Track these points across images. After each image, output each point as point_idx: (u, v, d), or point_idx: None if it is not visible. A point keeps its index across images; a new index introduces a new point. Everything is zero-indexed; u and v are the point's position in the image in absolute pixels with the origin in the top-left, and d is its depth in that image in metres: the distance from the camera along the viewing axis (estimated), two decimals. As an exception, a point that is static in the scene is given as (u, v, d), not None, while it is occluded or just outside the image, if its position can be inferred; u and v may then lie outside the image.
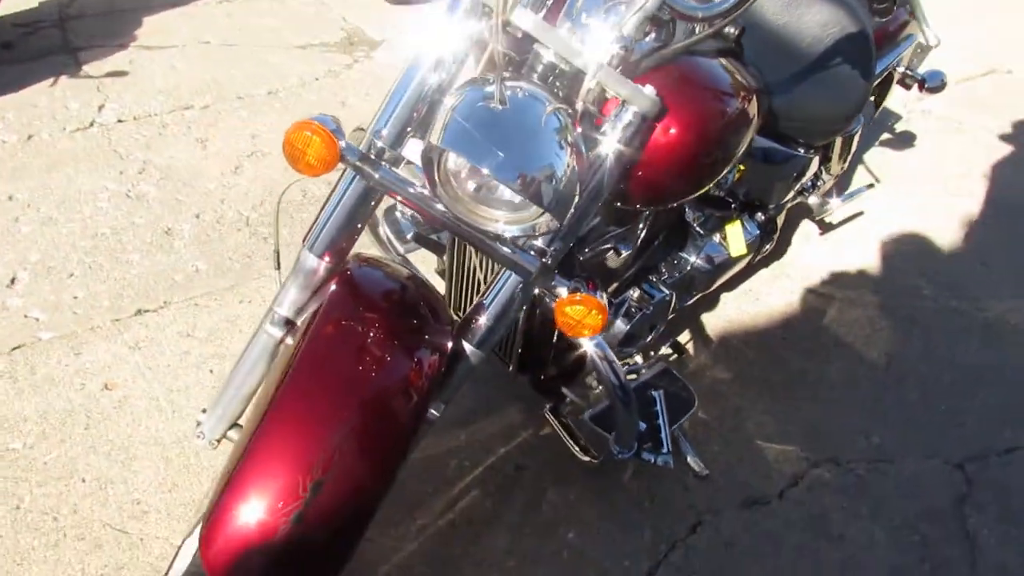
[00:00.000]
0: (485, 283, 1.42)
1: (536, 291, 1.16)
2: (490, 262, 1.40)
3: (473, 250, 1.45)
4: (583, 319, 1.09)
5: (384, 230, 1.73)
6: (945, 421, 1.90)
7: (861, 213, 2.62)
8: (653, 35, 1.13)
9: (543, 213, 0.98)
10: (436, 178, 1.02)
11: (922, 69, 2.15)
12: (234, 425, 1.24)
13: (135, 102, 2.84)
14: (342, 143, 1.01)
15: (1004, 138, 3.17)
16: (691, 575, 1.52)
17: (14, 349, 1.84)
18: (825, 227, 2.54)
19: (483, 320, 1.16)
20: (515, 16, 1.00)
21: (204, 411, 1.24)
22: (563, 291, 1.11)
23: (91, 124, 2.69)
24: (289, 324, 1.16)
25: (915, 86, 2.14)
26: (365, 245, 1.37)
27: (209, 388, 1.79)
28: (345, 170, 1.10)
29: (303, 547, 0.95)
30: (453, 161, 1.01)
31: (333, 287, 1.11)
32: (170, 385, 1.79)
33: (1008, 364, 2.08)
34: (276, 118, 2.84)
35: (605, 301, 1.09)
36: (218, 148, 2.64)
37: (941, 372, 2.03)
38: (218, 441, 1.24)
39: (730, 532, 1.60)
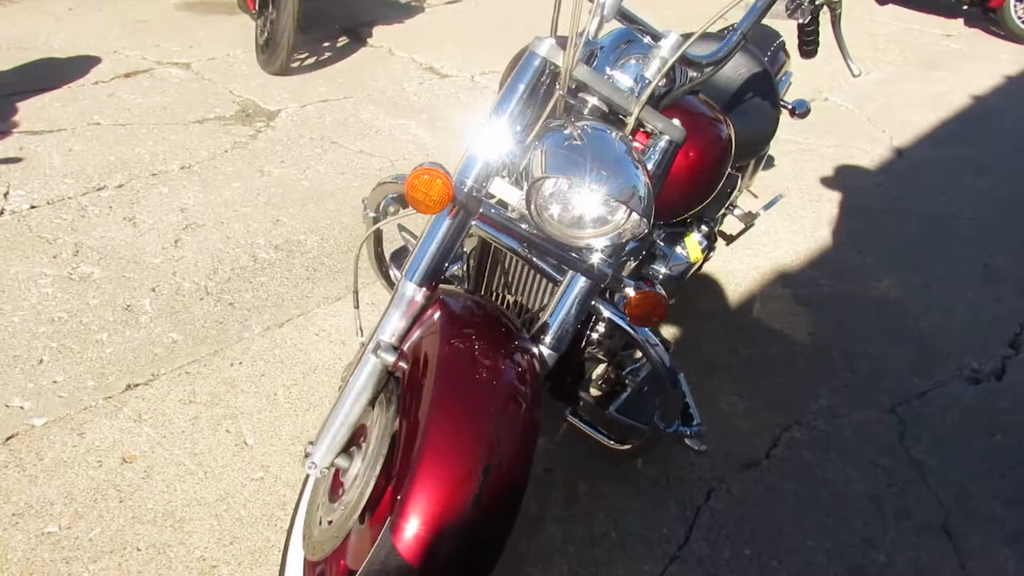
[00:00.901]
0: (515, 300, 1.64)
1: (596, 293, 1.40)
2: (532, 282, 1.59)
3: (507, 273, 1.66)
4: (652, 311, 1.34)
5: (394, 271, 1.90)
6: (869, 379, 2.31)
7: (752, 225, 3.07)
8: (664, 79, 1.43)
9: (628, 220, 1.23)
10: (533, 207, 1.25)
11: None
12: (341, 452, 1.35)
13: (43, 187, 2.80)
14: (454, 184, 1.22)
15: (841, 153, 3.81)
16: (719, 530, 1.78)
17: (9, 439, 1.81)
18: (727, 238, 2.97)
19: (556, 325, 1.38)
20: (578, 71, 1.26)
21: (311, 443, 1.34)
22: (630, 290, 1.36)
23: (1, 212, 2.63)
24: (397, 350, 1.30)
25: (788, 113, 2.61)
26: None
27: (231, 447, 1.85)
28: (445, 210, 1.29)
29: (482, 526, 1.12)
30: (550, 188, 1.24)
31: (439, 313, 1.29)
32: (191, 449, 1.83)
33: (900, 330, 2.55)
34: (199, 191, 2.90)
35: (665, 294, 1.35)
36: (150, 224, 2.66)
37: (853, 342, 2.46)
38: (328, 469, 1.35)
39: (739, 492, 1.88)
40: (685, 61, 1.38)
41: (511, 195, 1.32)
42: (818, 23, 1.74)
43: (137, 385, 2.01)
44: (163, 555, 1.59)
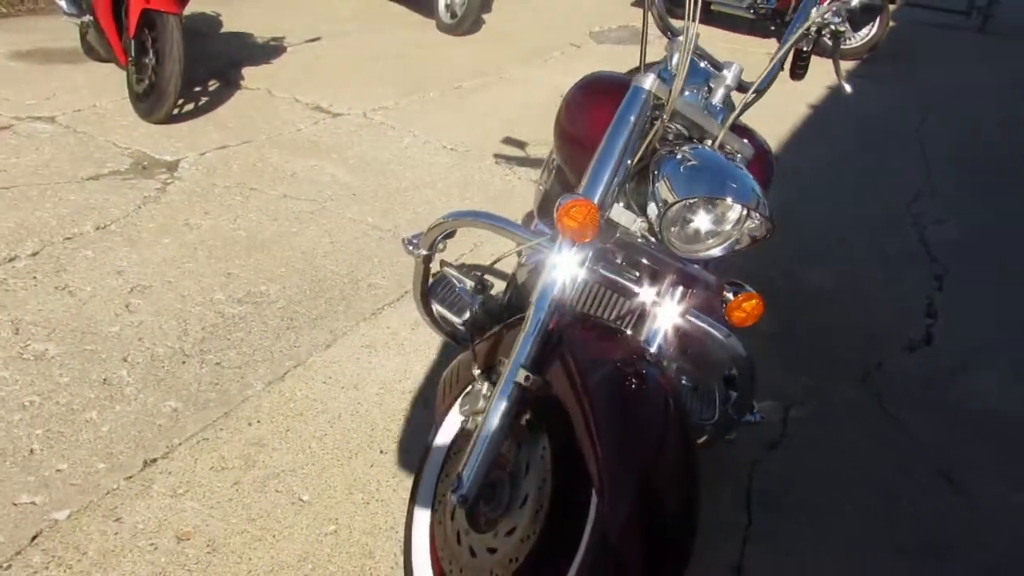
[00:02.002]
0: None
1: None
2: (608, 301, 1.71)
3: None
4: (752, 311, 1.51)
5: (436, 307, 1.94)
6: (830, 357, 2.63)
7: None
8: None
9: (746, 225, 1.39)
10: (660, 227, 1.39)
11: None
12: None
13: (-55, 265, 2.54)
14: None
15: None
16: (774, 508, 1.98)
17: (35, 538, 1.66)
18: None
19: (662, 331, 1.52)
20: (677, 103, 1.43)
21: (459, 474, 1.37)
22: (729, 294, 1.52)
23: (-94, 298, 2.37)
24: (536, 375, 1.36)
25: None
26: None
27: (288, 506, 1.81)
28: (559, 243, 1.39)
29: (676, 506, 1.23)
30: (676, 211, 1.38)
31: (576, 334, 1.38)
32: (247, 515, 1.77)
33: (832, 317, 2.91)
34: (129, 251, 2.75)
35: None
36: (90, 292, 2.50)
37: (803, 328, 2.79)
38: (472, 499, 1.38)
39: (775, 470, 2.10)
40: (740, 87, 1.58)
41: (627, 220, 1.45)
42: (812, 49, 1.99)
43: (155, 460, 1.90)
44: (269, 625, 1.54)
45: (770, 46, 6.89)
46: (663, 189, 1.37)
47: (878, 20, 6.41)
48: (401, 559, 1.68)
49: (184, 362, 2.24)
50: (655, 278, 1.60)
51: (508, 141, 4.07)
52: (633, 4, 7.95)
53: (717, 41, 6.76)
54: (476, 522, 1.46)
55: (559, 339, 1.39)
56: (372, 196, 3.37)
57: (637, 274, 1.63)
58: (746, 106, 1.61)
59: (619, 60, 5.83)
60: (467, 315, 1.95)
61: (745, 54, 6.47)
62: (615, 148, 1.42)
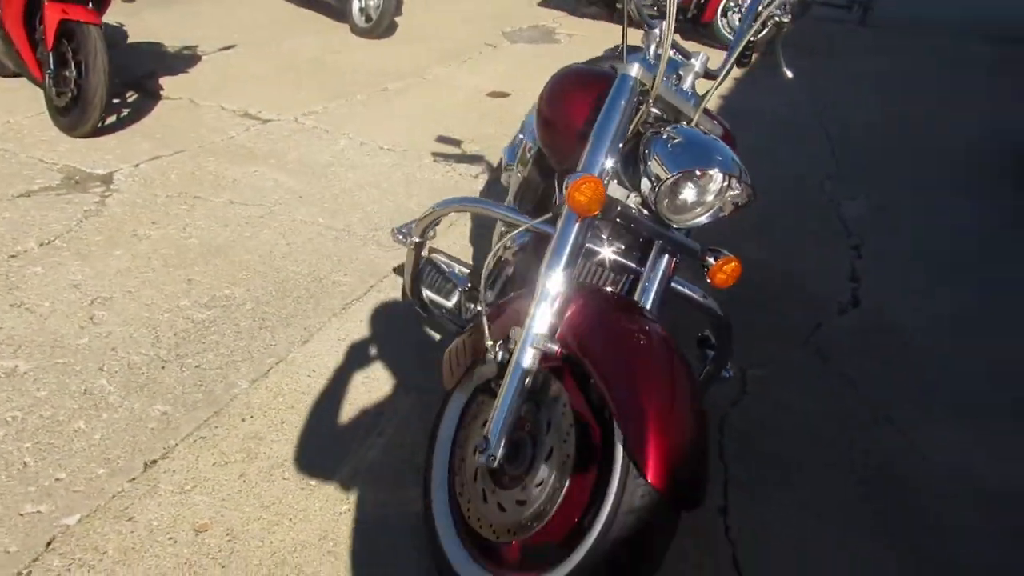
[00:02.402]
0: None
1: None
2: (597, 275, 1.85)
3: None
4: (732, 273, 1.69)
5: (426, 293, 2.05)
6: (775, 321, 2.87)
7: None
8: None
9: (726, 195, 1.57)
10: (656, 200, 1.55)
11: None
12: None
13: None
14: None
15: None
16: (737, 443, 2.17)
17: (50, 544, 1.68)
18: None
19: (656, 299, 1.68)
20: (660, 88, 1.59)
21: (486, 436, 1.49)
22: (711, 259, 1.70)
23: None
24: (552, 339, 1.50)
25: None
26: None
27: (298, 492, 1.88)
28: (564, 214, 1.53)
29: (694, 440, 1.39)
30: (670, 185, 1.54)
31: (585, 299, 1.52)
32: (260, 503, 1.84)
33: (771, 286, 3.16)
34: (81, 265, 2.73)
35: None
36: (49, 307, 2.48)
37: (747, 296, 3.01)
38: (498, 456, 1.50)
39: (741, 420, 2.30)
40: (706, 75, 1.76)
41: (622, 195, 1.61)
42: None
43: (156, 461, 1.93)
44: (303, 601, 1.61)
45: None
46: (655, 166, 1.54)
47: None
48: (416, 524, 1.78)
49: (163, 367, 2.27)
50: (644, 249, 1.76)
51: (443, 140, 4.18)
52: (540, 4, 8.18)
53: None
54: (500, 481, 1.58)
55: (569, 305, 1.53)
56: (319, 198, 3.43)
57: (623, 246, 1.79)
58: (712, 91, 1.80)
59: (536, 58, 6.02)
60: (455, 299, 2.08)
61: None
62: (608, 130, 1.57)
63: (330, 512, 1.83)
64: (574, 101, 1.83)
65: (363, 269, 2.87)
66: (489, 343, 1.59)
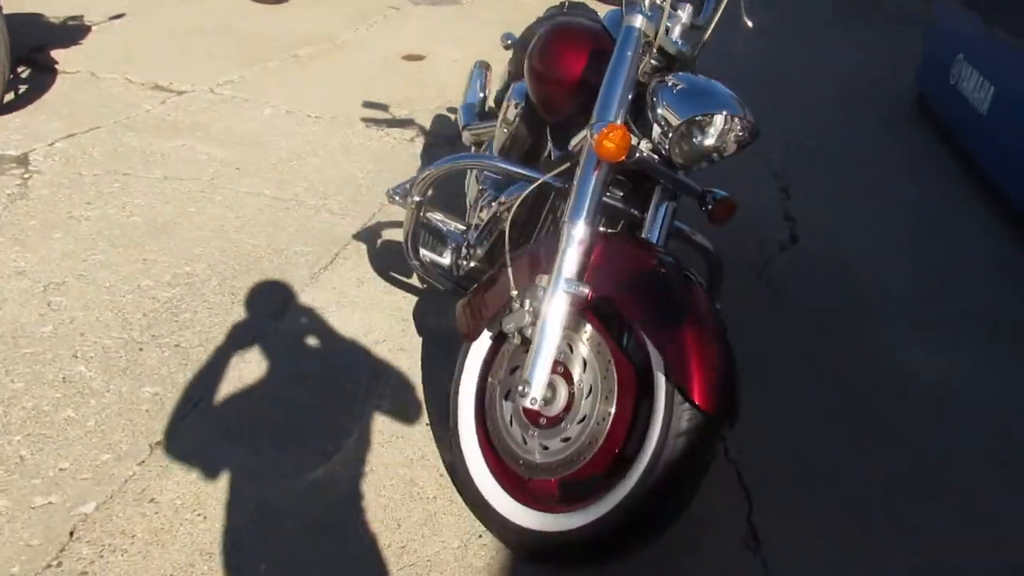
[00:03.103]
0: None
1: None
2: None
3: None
4: (732, 211, 1.82)
5: (424, 252, 2.07)
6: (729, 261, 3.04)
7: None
8: None
9: (730, 135, 1.67)
10: (669, 144, 1.64)
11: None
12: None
13: None
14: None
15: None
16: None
17: (73, 533, 1.65)
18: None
19: (662, 237, 1.78)
20: (662, 40, 1.68)
21: (527, 381, 1.55)
22: (710, 198, 1.81)
23: None
24: (581, 283, 1.57)
25: None
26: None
27: (328, 451, 1.90)
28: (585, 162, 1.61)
29: (732, 364, 1.50)
30: (682, 130, 1.63)
31: (607, 243, 1.61)
32: (298, 464, 1.85)
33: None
34: (21, 250, 2.60)
35: None
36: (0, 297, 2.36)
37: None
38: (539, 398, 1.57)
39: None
40: (693, 26, 1.86)
41: (633, 142, 1.69)
42: None
43: (161, 442, 1.90)
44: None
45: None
46: (666, 112, 1.62)
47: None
48: (439, 477, 1.84)
49: (141, 349, 2.21)
50: (643, 193, 1.86)
51: (369, 105, 4.13)
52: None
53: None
54: (537, 423, 1.66)
55: (593, 249, 1.61)
56: (258, 169, 3.35)
57: (621, 193, 1.88)
58: (705, 37, 1.89)
59: (443, 20, 5.99)
60: (450, 256, 2.12)
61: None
62: (619, 80, 1.65)
63: (355, 474, 1.86)
64: (568, 56, 1.89)
65: (323, 238, 2.85)
66: (515, 292, 1.65)
